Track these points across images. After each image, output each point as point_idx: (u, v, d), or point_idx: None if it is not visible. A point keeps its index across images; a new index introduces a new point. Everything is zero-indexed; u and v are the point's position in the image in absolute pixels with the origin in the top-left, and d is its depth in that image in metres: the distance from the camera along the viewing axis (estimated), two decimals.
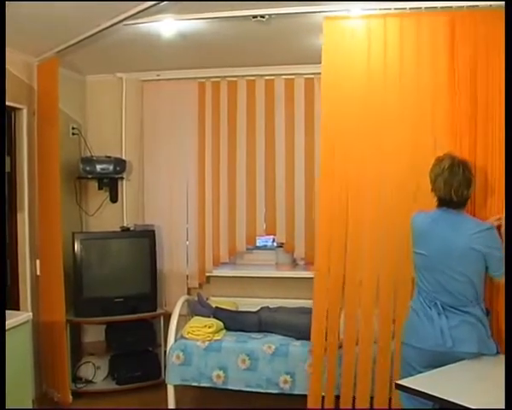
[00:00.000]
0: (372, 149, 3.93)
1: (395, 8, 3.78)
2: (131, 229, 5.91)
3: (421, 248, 3.37)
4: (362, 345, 4.00)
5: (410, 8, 3.76)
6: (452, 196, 3.25)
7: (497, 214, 3.42)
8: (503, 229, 3.22)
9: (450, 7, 3.70)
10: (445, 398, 2.68)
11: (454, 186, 3.24)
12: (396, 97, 3.86)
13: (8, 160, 4.88)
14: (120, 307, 5.43)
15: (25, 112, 5.00)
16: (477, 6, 3.65)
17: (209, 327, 4.80)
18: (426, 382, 2.93)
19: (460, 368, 3.10)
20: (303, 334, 4.31)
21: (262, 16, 3.98)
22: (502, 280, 3.18)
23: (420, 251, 3.37)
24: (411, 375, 3.14)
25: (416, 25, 3.80)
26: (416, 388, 2.86)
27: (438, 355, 3.18)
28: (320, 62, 3.95)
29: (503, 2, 3.11)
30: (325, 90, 3.99)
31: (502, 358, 3.17)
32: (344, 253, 4.00)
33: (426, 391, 2.80)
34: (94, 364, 5.54)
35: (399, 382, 3.00)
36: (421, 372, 3.15)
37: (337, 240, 4.02)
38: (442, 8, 3.71)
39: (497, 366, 3.06)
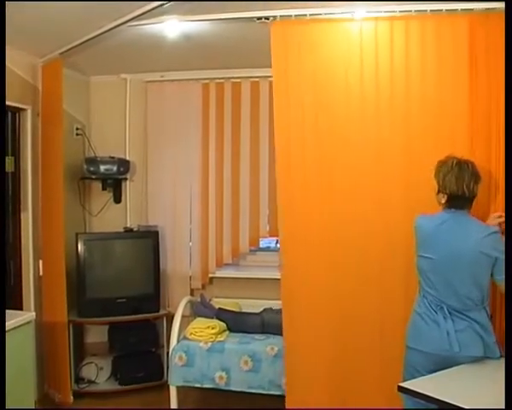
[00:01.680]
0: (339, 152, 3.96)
1: (400, 11, 3.79)
2: (135, 230, 5.91)
3: (427, 251, 3.33)
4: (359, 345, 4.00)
5: (400, 12, 3.79)
6: (464, 190, 3.23)
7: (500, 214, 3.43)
8: (503, 226, 3.22)
9: (441, 10, 3.72)
10: (447, 401, 2.68)
11: (466, 181, 3.23)
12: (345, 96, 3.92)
13: (11, 160, 4.89)
14: (123, 308, 5.44)
15: (29, 112, 5.00)
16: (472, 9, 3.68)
17: (212, 328, 4.80)
18: (428, 384, 2.92)
19: (462, 371, 3.09)
20: None
21: (266, 18, 3.98)
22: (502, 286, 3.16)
23: (426, 255, 3.33)
24: (415, 378, 3.13)
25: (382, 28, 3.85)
26: (419, 390, 2.85)
27: (443, 359, 3.16)
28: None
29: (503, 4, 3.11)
30: (277, 96, 4.03)
31: (500, 361, 3.19)
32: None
33: (428, 394, 2.79)
34: (96, 364, 5.55)
35: (402, 384, 3.00)
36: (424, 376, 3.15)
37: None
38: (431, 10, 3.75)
39: (500, 370, 3.05)
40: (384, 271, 3.90)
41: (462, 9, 3.67)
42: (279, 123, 4.02)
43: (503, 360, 3.15)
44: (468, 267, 3.20)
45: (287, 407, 4.07)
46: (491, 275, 3.24)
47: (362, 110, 3.90)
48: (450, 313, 3.22)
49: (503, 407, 2.42)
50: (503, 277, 3.09)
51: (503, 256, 3.10)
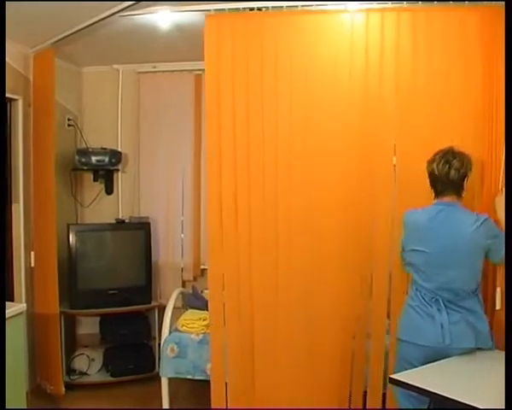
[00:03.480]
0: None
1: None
2: (126, 221, 5.90)
3: (420, 245, 3.31)
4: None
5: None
6: (441, 172, 3.25)
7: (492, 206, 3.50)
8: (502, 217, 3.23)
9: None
10: (438, 392, 2.69)
11: (451, 165, 3.23)
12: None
13: None
14: (115, 300, 5.43)
15: (20, 103, 4.98)
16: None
17: (203, 320, 4.78)
18: (420, 376, 2.92)
19: (453, 363, 3.10)
20: None
21: (259, 8, 3.97)
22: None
23: (419, 248, 3.31)
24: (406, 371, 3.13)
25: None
26: (410, 382, 2.86)
27: (436, 352, 3.16)
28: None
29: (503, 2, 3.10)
30: (208, 89, 4.03)
31: (496, 353, 3.21)
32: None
33: (419, 386, 2.79)
34: (88, 356, 5.55)
35: (393, 376, 3.00)
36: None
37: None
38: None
39: (491, 361, 3.10)
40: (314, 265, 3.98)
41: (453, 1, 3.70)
42: (210, 117, 4.04)
43: (495, 352, 3.22)
44: (464, 258, 3.21)
45: (212, 406, 4.15)
46: (489, 258, 3.29)
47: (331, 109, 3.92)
48: (445, 305, 3.21)
49: (496, 398, 2.42)
50: (498, 258, 3.21)
51: (498, 239, 3.17)
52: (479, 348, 3.21)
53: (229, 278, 4.07)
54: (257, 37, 3.93)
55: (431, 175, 3.32)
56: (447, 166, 3.24)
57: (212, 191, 4.03)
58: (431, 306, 3.24)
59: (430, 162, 3.32)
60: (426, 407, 3.12)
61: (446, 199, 3.29)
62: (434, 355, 3.14)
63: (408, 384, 2.86)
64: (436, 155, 3.31)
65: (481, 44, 3.65)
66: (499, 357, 3.02)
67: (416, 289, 3.34)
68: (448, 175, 3.25)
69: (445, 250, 3.22)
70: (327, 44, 3.87)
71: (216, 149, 4.00)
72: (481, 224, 3.20)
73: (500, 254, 3.17)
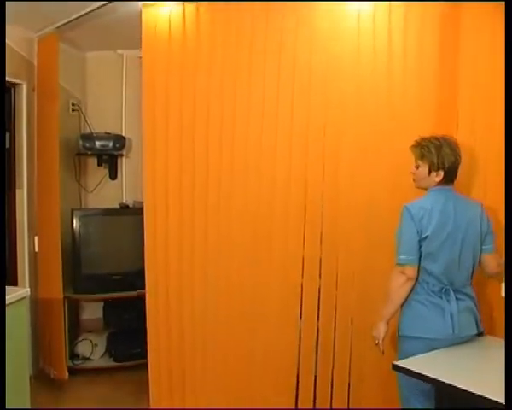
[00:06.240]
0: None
1: None
2: (130, 206, 5.91)
3: (432, 233, 3.18)
4: None
5: None
6: (459, 161, 3.26)
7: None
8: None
9: None
10: (441, 379, 2.68)
11: (458, 152, 3.25)
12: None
13: (7, 136, 4.86)
14: (118, 284, 5.44)
15: (24, 87, 4.98)
16: None
17: None
18: (421, 365, 2.90)
19: (454, 350, 3.09)
20: None
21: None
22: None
23: (430, 237, 3.18)
24: None
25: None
26: (413, 369, 2.85)
27: (444, 343, 3.12)
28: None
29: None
30: (146, 78, 4.28)
31: (491, 338, 3.30)
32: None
33: (423, 373, 2.78)
34: (91, 341, 5.56)
35: (397, 363, 2.97)
36: None
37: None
38: None
39: (491, 348, 3.17)
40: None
41: None
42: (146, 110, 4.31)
43: (489, 337, 3.32)
44: (471, 241, 3.22)
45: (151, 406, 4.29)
46: (483, 251, 3.31)
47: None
48: (454, 293, 3.17)
49: (499, 382, 2.41)
50: (489, 245, 3.29)
51: (491, 226, 3.30)
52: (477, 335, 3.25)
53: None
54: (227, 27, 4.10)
55: (440, 166, 3.22)
56: (457, 157, 3.25)
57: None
58: (440, 297, 3.17)
59: (435, 153, 3.22)
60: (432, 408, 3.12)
61: (447, 185, 3.27)
62: (442, 346, 3.11)
63: (411, 371, 2.85)
64: (433, 144, 3.25)
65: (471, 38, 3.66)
66: (498, 345, 3.08)
67: (423, 281, 3.23)
68: (458, 166, 3.27)
69: (459, 229, 3.18)
70: (331, 37, 3.90)
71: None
72: (481, 208, 3.29)
73: (491, 241, 3.28)
